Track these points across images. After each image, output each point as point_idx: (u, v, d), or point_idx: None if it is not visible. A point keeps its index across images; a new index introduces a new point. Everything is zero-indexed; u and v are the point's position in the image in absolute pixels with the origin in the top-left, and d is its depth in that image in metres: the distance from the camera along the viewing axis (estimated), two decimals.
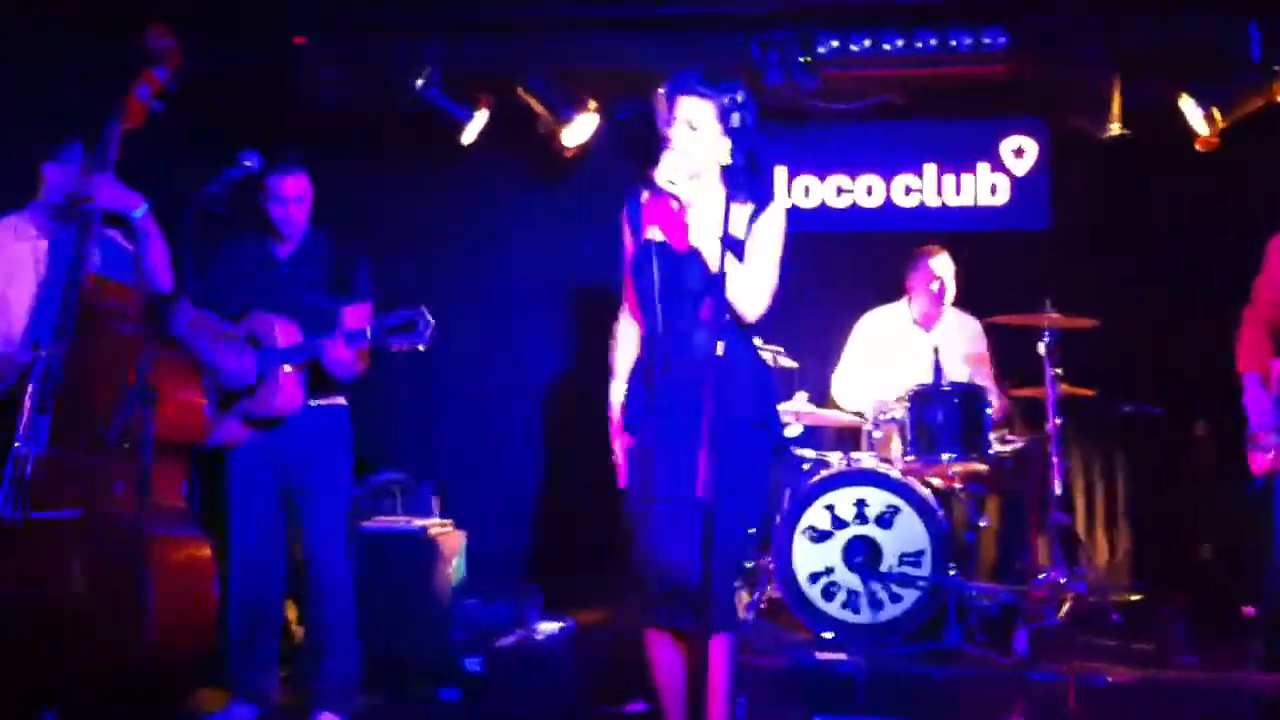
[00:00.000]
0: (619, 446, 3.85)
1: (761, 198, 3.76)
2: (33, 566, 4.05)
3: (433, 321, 4.52)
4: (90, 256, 4.38)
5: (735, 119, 3.65)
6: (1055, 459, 5.57)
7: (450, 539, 5.72)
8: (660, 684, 3.80)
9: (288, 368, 4.68)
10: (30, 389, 4.19)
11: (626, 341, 3.91)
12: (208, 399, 4.65)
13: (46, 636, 3.94)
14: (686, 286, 3.67)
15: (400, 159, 6.76)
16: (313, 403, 4.79)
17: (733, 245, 3.62)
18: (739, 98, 3.67)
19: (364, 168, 6.63)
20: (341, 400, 4.91)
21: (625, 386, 3.85)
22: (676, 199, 3.63)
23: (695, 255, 3.61)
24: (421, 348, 4.58)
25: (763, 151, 3.77)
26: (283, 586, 4.94)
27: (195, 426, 4.37)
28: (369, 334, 4.58)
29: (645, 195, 3.78)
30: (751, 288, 3.67)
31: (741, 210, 3.69)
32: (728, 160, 3.68)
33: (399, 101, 6.02)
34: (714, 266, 3.55)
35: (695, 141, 3.66)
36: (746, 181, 3.72)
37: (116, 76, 4.55)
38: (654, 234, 3.73)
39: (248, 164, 4.33)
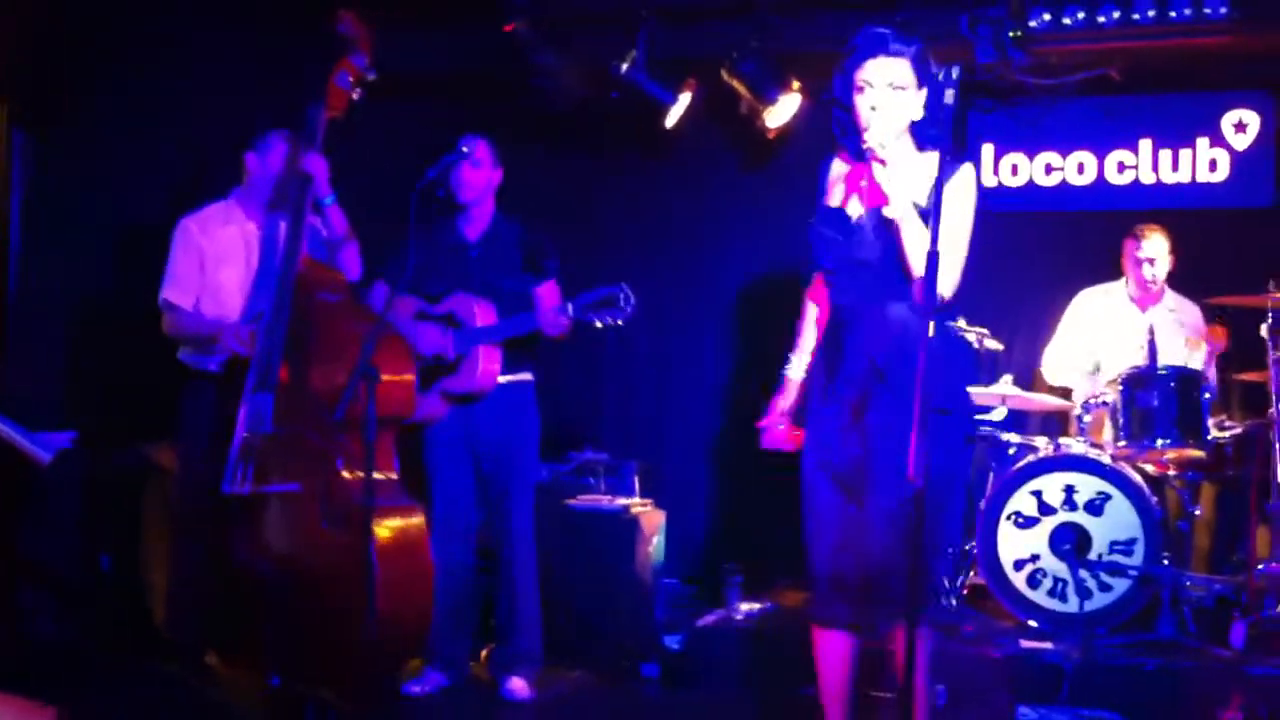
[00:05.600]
0: (776, 420, 3.84)
1: (956, 151, 3.62)
2: (257, 538, 4.23)
3: (633, 297, 4.58)
4: (304, 239, 4.52)
5: (926, 69, 3.59)
6: (1277, 445, 5.35)
7: (651, 518, 5.78)
8: (823, 680, 3.74)
9: (485, 346, 4.81)
10: (252, 368, 4.34)
11: (810, 321, 3.89)
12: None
13: (272, 606, 4.11)
14: (876, 259, 3.58)
15: (610, 144, 6.84)
16: (501, 379, 4.92)
17: (926, 215, 3.49)
18: (925, 47, 3.61)
19: (578, 154, 6.74)
20: (529, 376, 5.03)
21: (803, 364, 3.84)
22: (881, 162, 3.52)
23: (890, 225, 3.52)
24: (621, 322, 4.65)
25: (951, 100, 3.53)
26: (476, 559, 5.09)
27: (406, 401, 4.50)
28: (571, 311, 4.68)
29: (838, 165, 3.75)
30: (944, 260, 3.42)
31: (930, 171, 3.54)
32: (920, 114, 3.61)
33: (608, 86, 6.08)
34: (914, 236, 3.46)
35: (899, 101, 3.57)
36: (941, 134, 3.60)
37: (316, 64, 4.63)
38: (851, 205, 3.65)
39: (465, 150, 4.42)
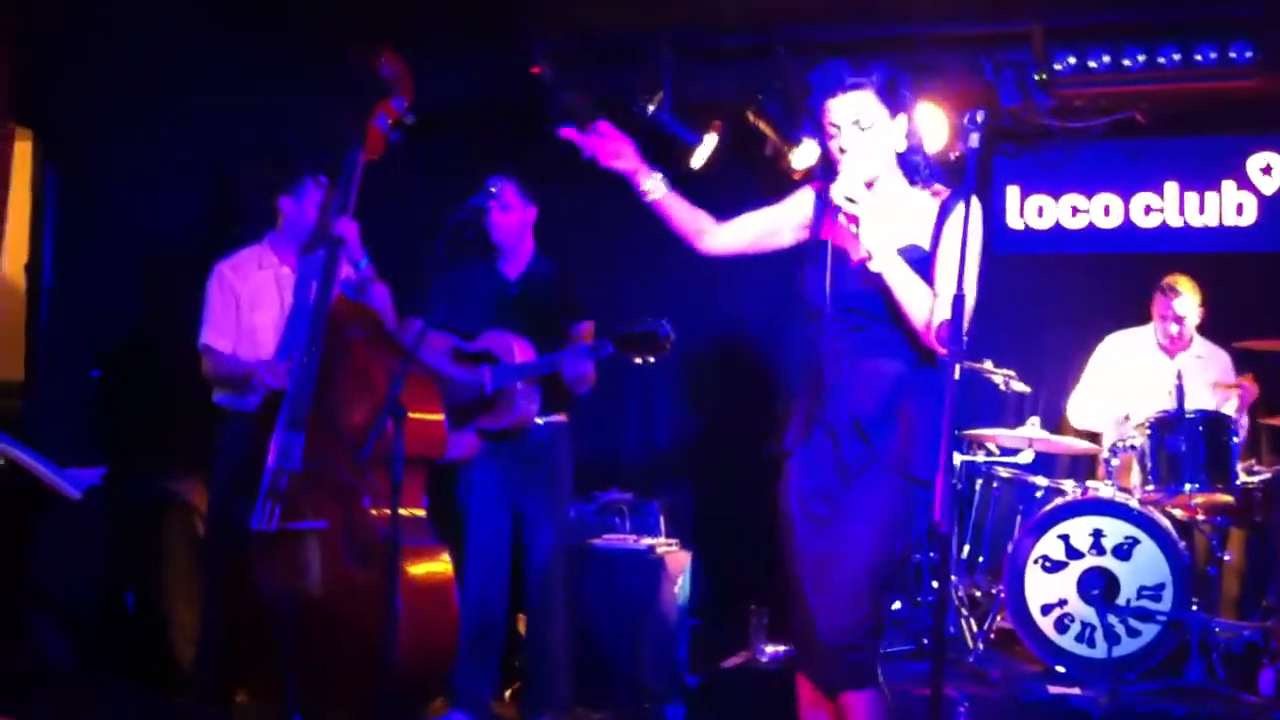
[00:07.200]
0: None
1: (946, 177, 3.37)
2: (283, 576, 4.21)
3: (673, 334, 4.56)
4: (338, 281, 4.53)
5: (898, 96, 3.31)
6: None
7: (676, 558, 5.76)
8: None
9: (523, 384, 4.82)
10: (284, 407, 4.34)
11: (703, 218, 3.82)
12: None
13: (296, 643, 4.09)
14: (867, 308, 3.35)
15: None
16: (538, 420, 4.92)
17: (922, 258, 3.30)
18: (890, 74, 3.32)
19: (601, 191, 6.75)
20: (564, 418, 5.03)
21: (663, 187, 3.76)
22: (853, 220, 3.25)
23: (873, 276, 3.28)
24: (654, 360, 4.63)
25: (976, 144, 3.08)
26: (507, 599, 5.08)
27: (436, 441, 4.48)
28: (612, 345, 4.66)
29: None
30: (941, 300, 3.22)
31: (928, 205, 3.34)
32: (903, 145, 3.36)
33: (632, 126, 6.10)
34: (904, 288, 3.26)
35: (870, 139, 3.31)
36: (929, 161, 3.39)
37: (355, 108, 4.61)
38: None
39: (493, 190, 4.45)
